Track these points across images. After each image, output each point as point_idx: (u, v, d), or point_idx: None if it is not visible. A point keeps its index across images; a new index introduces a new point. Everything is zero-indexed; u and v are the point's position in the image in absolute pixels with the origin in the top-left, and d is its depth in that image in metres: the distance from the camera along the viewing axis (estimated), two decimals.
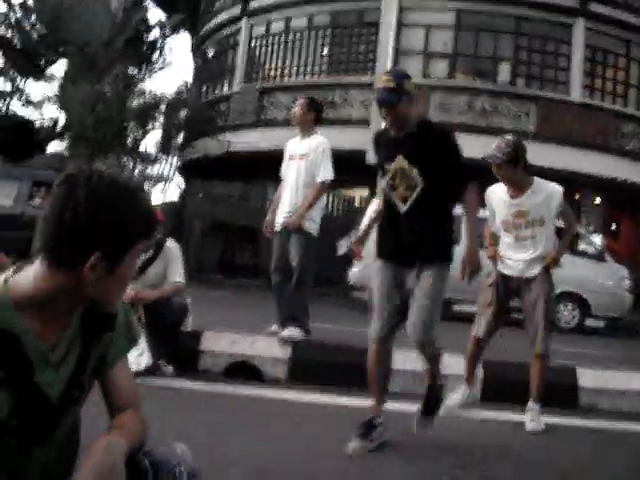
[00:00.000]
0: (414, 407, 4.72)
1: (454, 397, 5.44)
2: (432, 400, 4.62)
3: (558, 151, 18.68)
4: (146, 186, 25.58)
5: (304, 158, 6.50)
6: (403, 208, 4.25)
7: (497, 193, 5.38)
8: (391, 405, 4.67)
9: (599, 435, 5.28)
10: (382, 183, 4.46)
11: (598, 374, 6.53)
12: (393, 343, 4.57)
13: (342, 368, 6.12)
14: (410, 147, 4.26)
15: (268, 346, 6.33)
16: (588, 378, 6.39)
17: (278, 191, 6.75)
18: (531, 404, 5.24)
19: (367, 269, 13.51)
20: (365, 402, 5.47)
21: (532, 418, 5.15)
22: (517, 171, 5.15)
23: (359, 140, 18.65)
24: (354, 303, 15.23)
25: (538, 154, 16.74)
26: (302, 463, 3.81)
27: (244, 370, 6.17)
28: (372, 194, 18.52)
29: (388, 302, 4.41)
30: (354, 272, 13.85)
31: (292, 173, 6.55)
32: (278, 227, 6.54)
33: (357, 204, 19.49)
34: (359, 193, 19.92)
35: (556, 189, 5.26)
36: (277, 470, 3.61)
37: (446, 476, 3.79)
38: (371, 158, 19.67)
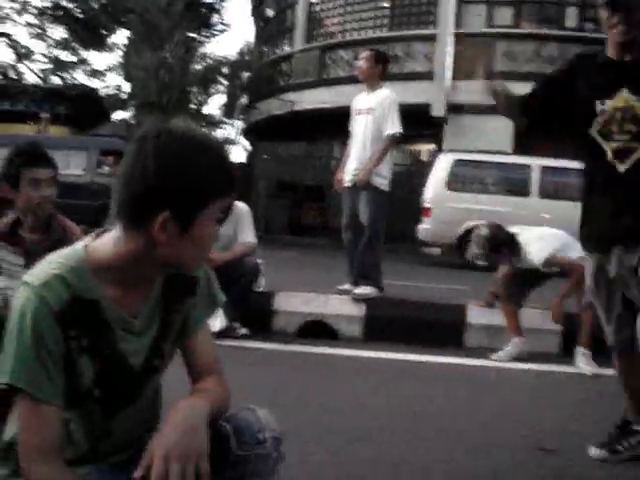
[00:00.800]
0: None
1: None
2: None
3: None
4: None
5: (371, 112, 6.38)
6: (622, 167, 2.97)
7: None
8: None
9: None
10: (589, 131, 3.08)
11: None
12: None
13: (417, 324, 6.06)
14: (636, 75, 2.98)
15: (341, 304, 6.28)
16: None
17: (347, 147, 6.65)
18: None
19: (436, 224, 13.47)
20: (441, 358, 5.46)
21: None
22: None
23: (423, 94, 18.39)
24: (424, 259, 15.14)
25: None
26: (386, 420, 3.76)
27: (318, 329, 6.14)
28: (439, 148, 18.31)
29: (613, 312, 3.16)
30: (424, 228, 13.71)
31: (359, 128, 6.44)
32: (347, 184, 6.45)
33: (424, 158, 19.25)
34: (425, 147, 19.67)
35: None
36: (353, 426, 3.57)
37: None
38: (436, 111, 19.40)
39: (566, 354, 5.60)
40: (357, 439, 3.39)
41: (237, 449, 1.59)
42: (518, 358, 5.56)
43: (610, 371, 5.15)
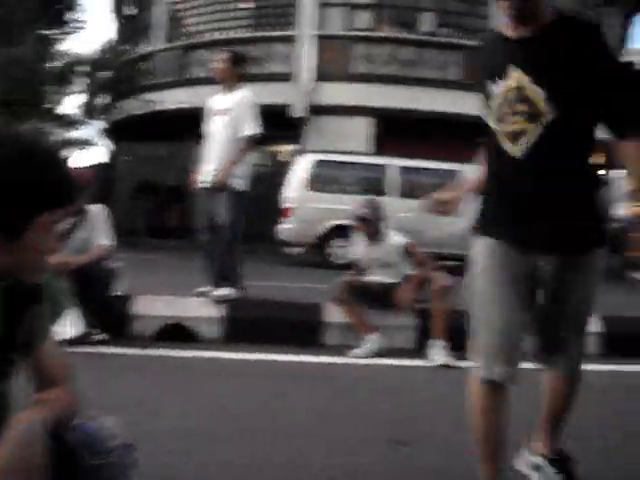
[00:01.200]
0: None
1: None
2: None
3: None
4: (70, 150, 25.05)
5: (228, 113, 6.39)
6: (516, 151, 2.58)
7: None
8: None
9: None
10: (485, 114, 2.73)
11: None
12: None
13: (277, 324, 6.12)
14: (536, 54, 2.59)
15: (201, 307, 6.25)
16: None
17: (203, 149, 6.63)
18: None
19: (297, 224, 13.61)
20: (300, 357, 5.54)
21: None
22: None
23: (283, 95, 18.52)
24: (285, 259, 15.25)
25: (464, 103, 16.93)
26: (246, 421, 3.78)
27: (178, 332, 6.09)
28: (299, 149, 18.46)
29: (509, 318, 2.59)
30: (284, 228, 13.83)
31: (216, 129, 6.43)
32: (204, 185, 6.43)
33: (282, 159, 19.36)
34: (285, 148, 19.81)
35: None
36: (213, 429, 3.58)
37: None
38: (296, 112, 19.54)
39: (422, 348, 5.78)
40: (217, 440, 3.40)
41: (88, 459, 1.58)
42: (376, 354, 5.71)
43: (466, 363, 5.39)
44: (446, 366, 5.41)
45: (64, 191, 1.56)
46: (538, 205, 2.56)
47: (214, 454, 3.21)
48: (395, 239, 6.27)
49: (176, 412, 3.90)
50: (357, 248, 6.41)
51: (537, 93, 2.52)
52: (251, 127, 6.34)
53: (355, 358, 5.64)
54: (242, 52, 7.41)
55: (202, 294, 6.38)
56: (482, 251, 2.67)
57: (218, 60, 6.59)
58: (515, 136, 2.58)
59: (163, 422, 3.66)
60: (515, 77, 2.57)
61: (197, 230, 6.63)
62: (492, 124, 2.65)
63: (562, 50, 2.53)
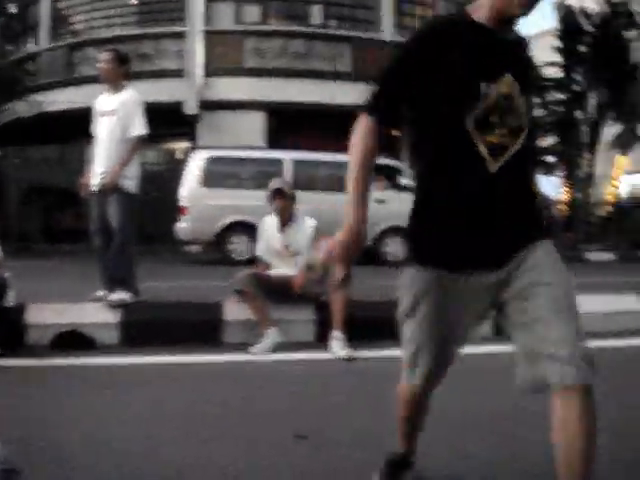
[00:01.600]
0: None
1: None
2: None
3: None
4: None
5: (115, 114, 6.29)
6: (495, 166, 2.33)
7: None
8: None
9: None
10: (463, 118, 2.32)
11: None
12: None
13: (177, 325, 6.06)
14: (522, 60, 2.44)
15: (97, 312, 6.13)
16: None
17: (91, 150, 6.50)
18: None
19: (194, 222, 13.51)
20: (201, 357, 5.51)
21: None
22: None
23: (175, 92, 18.34)
24: (185, 258, 15.14)
25: (355, 94, 17.09)
26: (143, 426, 3.74)
27: (75, 340, 5.96)
28: (193, 146, 18.31)
29: (439, 339, 2.46)
30: (181, 226, 13.72)
31: (104, 130, 6.32)
32: (94, 188, 6.32)
33: (178, 156, 19.16)
34: (179, 146, 19.62)
35: None
36: (111, 436, 3.53)
37: None
38: (188, 109, 19.37)
39: (323, 341, 5.83)
40: (116, 447, 3.35)
41: None
42: (275, 349, 5.73)
43: (366, 353, 5.49)
44: (347, 359, 5.47)
45: None
46: (500, 223, 2.37)
47: (115, 461, 3.16)
48: (308, 222, 6.41)
49: (72, 420, 3.83)
50: (265, 239, 6.39)
51: (522, 104, 2.35)
52: (139, 127, 6.27)
53: (255, 354, 5.64)
54: (125, 51, 7.30)
55: (98, 299, 6.27)
56: (413, 280, 2.46)
57: (101, 60, 6.47)
58: (497, 150, 2.33)
59: (63, 432, 3.59)
60: (506, 82, 2.33)
61: (90, 234, 6.50)
62: (468, 129, 2.31)
63: (526, 59, 2.46)
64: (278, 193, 6.30)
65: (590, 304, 7.04)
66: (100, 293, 6.31)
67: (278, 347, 5.77)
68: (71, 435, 3.57)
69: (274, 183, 6.45)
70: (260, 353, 5.68)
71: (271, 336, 5.82)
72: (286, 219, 6.35)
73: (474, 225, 2.36)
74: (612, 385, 3.67)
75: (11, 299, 5.87)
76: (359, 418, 3.86)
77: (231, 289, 6.06)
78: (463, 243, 2.37)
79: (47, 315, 6.07)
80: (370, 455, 2.84)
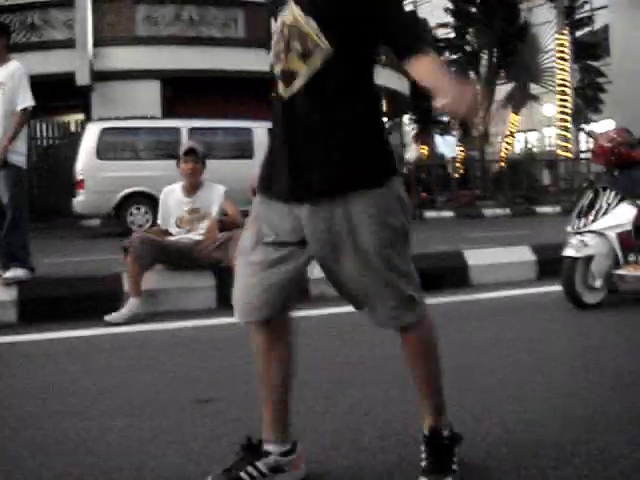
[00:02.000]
0: None
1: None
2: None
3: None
4: None
5: (1, 87, 6.09)
6: (287, 92, 2.32)
7: None
8: None
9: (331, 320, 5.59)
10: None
11: None
12: (290, 327, 2.60)
13: (74, 300, 5.97)
14: None
15: None
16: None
17: None
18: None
19: (91, 195, 13.27)
20: (102, 330, 5.45)
21: None
22: None
23: (66, 63, 17.82)
24: (83, 231, 14.87)
25: (248, 60, 16.97)
26: (43, 403, 3.69)
27: None
28: (87, 118, 17.89)
29: (262, 264, 2.41)
30: (79, 200, 13.45)
31: None
32: None
33: (73, 129, 18.69)
34: (73, 118, 19.12)
35: None
36: (16, 414, 3.48)
37: None
38: (80, 80, 18.80)
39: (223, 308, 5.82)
40: (23, 420, 3.30)
41: None
42: (133, 319, 5.70)
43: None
44: None
45: None
46: (307, 150, 2.32)
47: (23, 433, 3.12)
48: (215, 186, 6.35)
49: None
50: (168, 208, 6.31)
51: (310, 26, 2.26)
52: (25, 100, 6.09)
53: (109, 322, 5.59)
54: (10, 21, 7.05)
55: None
56: (253, 208, 2.51)
57: None
58: (287, 76, 2.30)
59: None
60: (292, 11, 2.29)
61: None
62: (270, 57, 2.37)
63: None
64: (191, 152, 6.21)
65: (481, 257, 7.34)
66: None
67: (137, 318, 5.74)
68: None
69: (187, 144, 6.37)
70: (115, 321, 5.62)
71: (130, 305, 5.77)
72: (194, 184, 6.26)
73: (276, 153, 2.39)
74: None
75: None
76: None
77: (120, 246, 6.01)
78: (270, 172, 2.42)
79: None
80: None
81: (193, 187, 6.27)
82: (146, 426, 3.23)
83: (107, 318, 5.62)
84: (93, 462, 2.79)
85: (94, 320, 5.63)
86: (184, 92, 17.83)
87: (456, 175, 21.86)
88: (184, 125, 13.80)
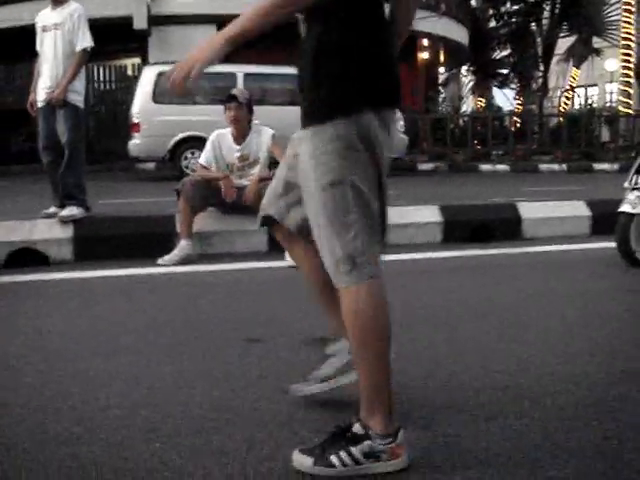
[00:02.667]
0: None
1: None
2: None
3: None
4: None
5: (59, 28, 6.15)
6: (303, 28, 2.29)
7: None
8: None
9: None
10: None
11: None
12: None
13: (127, 240, 6.10)
14: None
15: (49, 228, 6.12)
16: None
17: (36, 66, 6.37)
18: None
19: (146, 139, 13.39)
20: (155, 269, 5.55)
21: None
22: None
23: (124, 6, 17.85)
24: (138, 174, 15.05)
25: None
26: (97, 339, 3.79)
27: (28, 257, 5.96)
28: (144, 61, 17.97)
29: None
30: (134, 143, 13.58)
31: (49, 45, 6.18)
32: (41, 104, 6.22)
33: (130, 73, 18.81)
34: (130, 62, 19.22)
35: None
36: (73, 348, 3.59)
37: None
38: (138, 24, 18.87)
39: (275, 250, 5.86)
40: (77, 360, 3.41)
41: None
42: (185, 261, 5.81)
43: None
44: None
45: None
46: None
47: (67, 370, 3.22)
48: (264, 130, 6.30)
49: (32, 333, 3.87)
50: (217, 153, 6.30)
51: None
52: (84, 40, 6.15)
53: (161, 265, 5.70)
54: None
55: (49, 216, 6.25)
56: None
57: None
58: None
59: (23, 342, 3.64)
60: None
61: (39, 151, 6.41)
62: None
63: None
64: (232, 99, 6.14)
65: (535, 210, 7.28)
66: (51, 210, 6.28)
67: (189, 259, 5.85)
68: (21, 346, 3.63)
69: (231, 91, 6.35)
70: (167, 263, 5.74)
71: (181, 247, 5.88)
72: (242, 131, 6.20)
73: None
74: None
75: None
76: (306, 323, 3.95)
77: (173, 189, 6.09)
78: None
79: None
80: (316, 354, 2.92)
81: (240, 134, 6.20)
82: (195, 363, 3.31)
83: (159, 261, 5.73)
84: (143, 394, 2.88)
85: (147, 260, 5.75)
86: None
87: (513, 129, 21.49)
88: (239, 70, 13.77)
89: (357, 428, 2.24)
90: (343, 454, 2.22)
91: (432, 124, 20.36)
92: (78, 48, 6.13)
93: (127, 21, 17.61)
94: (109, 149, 16.51)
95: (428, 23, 21.23)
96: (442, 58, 27.12)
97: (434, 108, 22.06)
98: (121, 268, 5.59)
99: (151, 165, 15.47)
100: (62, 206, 6.22)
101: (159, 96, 13.48)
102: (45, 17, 6.29)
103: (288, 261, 5.64)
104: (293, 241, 2.63)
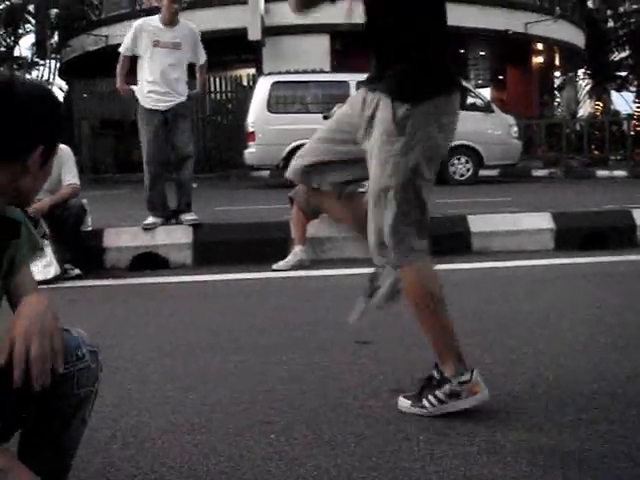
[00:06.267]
0: None
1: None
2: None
3: None
4: None
5: (179, 47, 6.45)
6: None
7: None
8: None
9: (492, 274, 5.64)
10: None
11: (488, 219, 6.91)
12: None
13: (243, 245, 6.33)
14: None
15: (170, 234, 6.42)
16: (479, 223, 6.78)
17: (145, 73, 6.65)
18: None
19: (261, 147, 13.73)
20: (269, 274, 5.74)
21: None
22: None
23: (239, 19, 18.33)
24: (253, 182, 15.38)
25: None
26: (216, 336, 3.98)
27: (149, 261, 6.27)
28: (258, 72, 18.38)
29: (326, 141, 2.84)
30: (250, 152, 13.93)
31: (166, 61, 6.45)
32: (160, 107, 6.51)
33: (245, 83, 19.29)
34: (245, 72, 19.71)
35: None
36: (190, 342, 3.78)
37: None
38: (252, 35, 19.24)
39: None
40: (197, 352, 3.60)
41: (60, 367, 1.67)
42: (299, 267, 5.96)
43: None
44: None
45: (59, 126, 1.78)
46: None
47: (195, 364, 3.41)
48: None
49: (155, 328, 4.10)
50: None
51: None
52: (203, 55, 6.51)
53: (276, 271, 5.87)
54: None
55: (150, 227, 6.54)
56: None
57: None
58: None
59: (145, 339, 3.86)
60: None
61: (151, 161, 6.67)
62: None
63: None
64: None
65: None
66: (150, 220, 6.54)
67: (302, 264, 6.01)
68: (147, 342, 3.85)
69: (337, 107, 6.48)
70: (281, 268, 5.91)
71: (295, 253, 6.04)
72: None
73: None
74: None
75: (89, 224, 6.18)
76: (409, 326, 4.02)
77: (287, 196, 6.28)
78: None
79: (124, 238, 6.38)
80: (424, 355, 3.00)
81: None
82: (306, 361, 3.44)
83: (274, 266, 5.91)
84: (257, 391, 3.03)
85: (261, 264, 5.94)
86: (353, 46, 17.93)
87: (632, 133, 20.89)
88: (352, 79, 13.91)
89: (437, 375, 2.71)
90: (431, 397, 2.69)
91: (547, 129, 20.03)
92: (199, 63, 6.48)
93: (242, 33, 18.07)
94: (225, 158, 16.96)
95: (543, 27, 20.94)
96: (557, 62, 26.59)
97: (549, 113, 21.69)
98: (238, 272, 5.82)
99: (265, 173, 15.82)
100: (169, 216, 6.54)
101: (273, 105, 13.81)
102: (159, 33, 6.53)
103: None
104: (325, 194, 2.89)
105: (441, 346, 2.71)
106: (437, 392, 2.68)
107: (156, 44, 6.52)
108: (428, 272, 2.68)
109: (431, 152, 2.57)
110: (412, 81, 2.54)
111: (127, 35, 6.57)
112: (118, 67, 6.54)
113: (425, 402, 2.70)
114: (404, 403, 2.76)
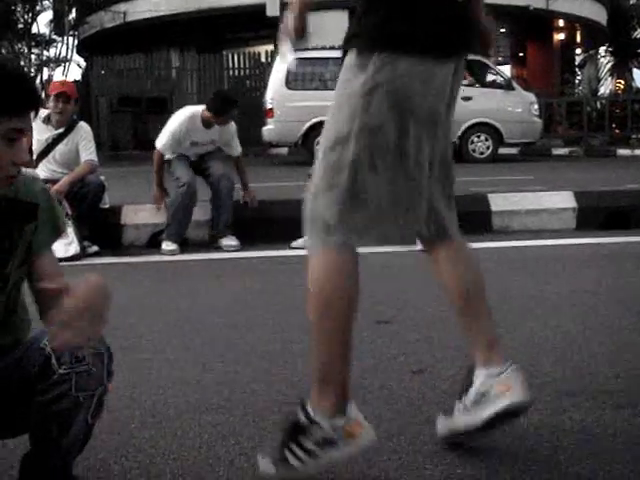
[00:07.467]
0: None
1: None
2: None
3: None
4: (46, 69, 24.68)
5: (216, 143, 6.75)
6: None
7: None
8: None
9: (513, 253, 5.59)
10: None
11: (509, 197, 6.84)
12: None
13: (264, 223, 6.34)
14: None
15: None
16: (499, 202, 6.72)
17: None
18: None
19: (279, 124, 13.68)
20: (279, 252, 5.71)
21: None
22: None
23: None
24: (271, 159, 15.35)
25: None
26: (231, 315, 3.96)
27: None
28: (277, 48, 18.25)
29: None
30: (268, 129, 13.89)
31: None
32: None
33: (263, 59, 19.18)
34: (263, 48, 19.59)
35: None
36: (209, 321, 3.77)
37: None
38: (271, 11, 19.16)
39: None
40: (212, 337, 3.58)
41: (58, 368, 1.65)
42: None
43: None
44: None
45: (13, 98, 1.61)
46: None
47: (214, 343, 3.40)
48: None
49: (174, 310, 4.09)
50: None
51: None
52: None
53: (294, 248, 5.72)
54: None
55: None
56: None
57: None
58: None
59: (163, 318, 3.85)
60: None
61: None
62: None
63: None
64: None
65: None
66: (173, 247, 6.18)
67: None
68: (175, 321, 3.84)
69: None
70: (299, 246, 5.76)
71: None
72: None
73: None
74: None
75: (107, 201, 6.16)
76: (433, 305, 3.98)
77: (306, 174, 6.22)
78: None
79: (142, 216, 6.36)
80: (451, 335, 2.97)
81: None
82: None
83: (293, 244, 5.87)
84: (277, 370, 3.02)
85: (280, 242, 5.91)
86: None
87: None
88: None
89: (301, 416, 2.00)
90: (296, 448, 1.97)
91: (568, 107, 19.82)
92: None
93: (260, 8, 17.94)
94: (243, 134, 16.89)
95: (564, 3, 20.68)
96: (579, 39, 26.29)
97: (570, 91, 21.46)
98: (255, 250, 5.79)
99: (284, 150, 15.76)
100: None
101: (292, 82, 13.73)
102: (198, 134, 6.46)
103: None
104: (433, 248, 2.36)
105: (326, 374, 2.06)
106: (302, 440, 1.98)
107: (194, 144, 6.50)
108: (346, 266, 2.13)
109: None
110: (387, 30, 2.00)
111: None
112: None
113: (290, 456, 1.97)
114: (266, 467, 2.01)
